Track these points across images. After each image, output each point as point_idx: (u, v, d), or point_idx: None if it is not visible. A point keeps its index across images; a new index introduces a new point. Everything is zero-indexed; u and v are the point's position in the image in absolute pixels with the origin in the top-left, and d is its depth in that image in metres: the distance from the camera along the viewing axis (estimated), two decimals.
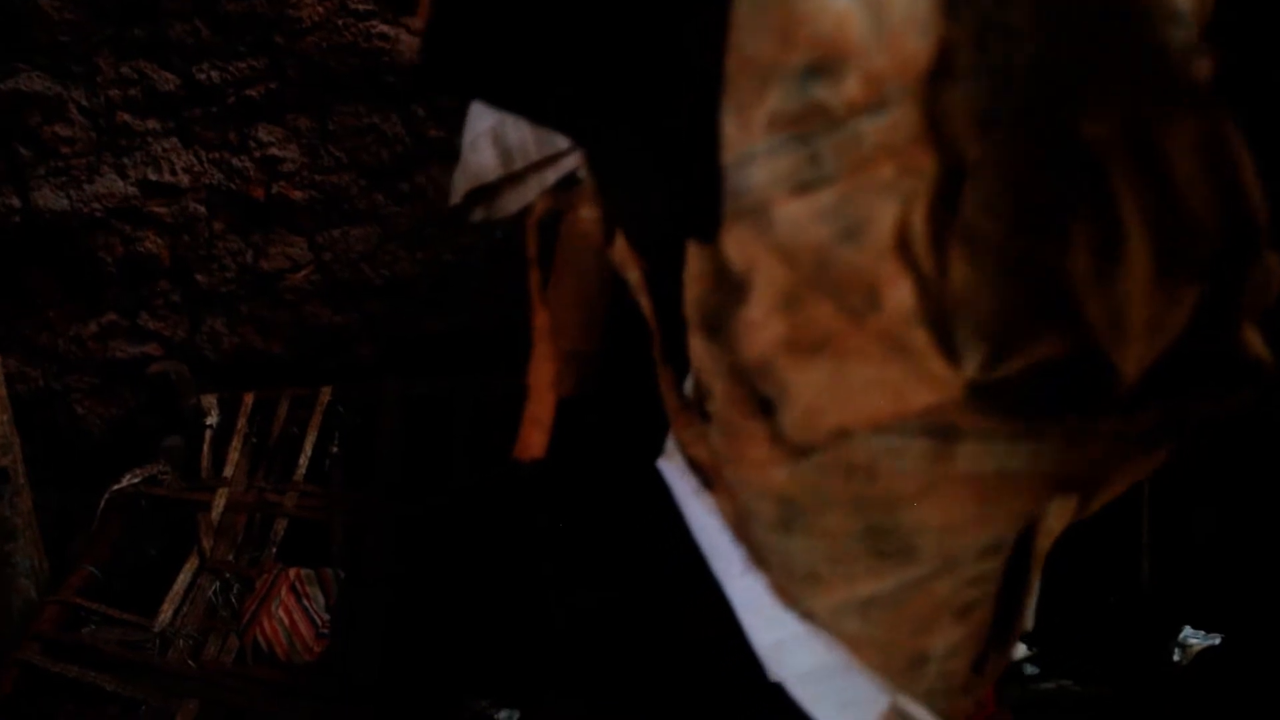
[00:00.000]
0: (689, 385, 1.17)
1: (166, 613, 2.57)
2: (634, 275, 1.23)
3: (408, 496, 2.83)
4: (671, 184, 1.05)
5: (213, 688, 2.40)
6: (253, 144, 3.00)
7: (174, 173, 3.00)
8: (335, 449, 2.91)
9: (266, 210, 3.05)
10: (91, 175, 2.97)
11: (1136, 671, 2.43)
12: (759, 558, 1.14)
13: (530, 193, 1.57)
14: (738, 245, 0.98)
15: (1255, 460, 2.06)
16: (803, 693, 1.14)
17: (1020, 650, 2.43)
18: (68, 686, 2.38)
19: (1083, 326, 0.95)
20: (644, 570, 2.58)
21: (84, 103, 2.92)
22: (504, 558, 2.71)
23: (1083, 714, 2.34)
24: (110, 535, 2.76)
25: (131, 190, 3.00)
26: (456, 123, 3.00)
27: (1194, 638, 2.49)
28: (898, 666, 1.11)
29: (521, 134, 1.51)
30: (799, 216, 0.95)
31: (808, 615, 1.10)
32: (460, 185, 1.67)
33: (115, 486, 2.84)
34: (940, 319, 0.95)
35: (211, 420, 2.97)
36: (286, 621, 2.57)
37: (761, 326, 0.99)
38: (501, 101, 1.34)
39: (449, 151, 3.03)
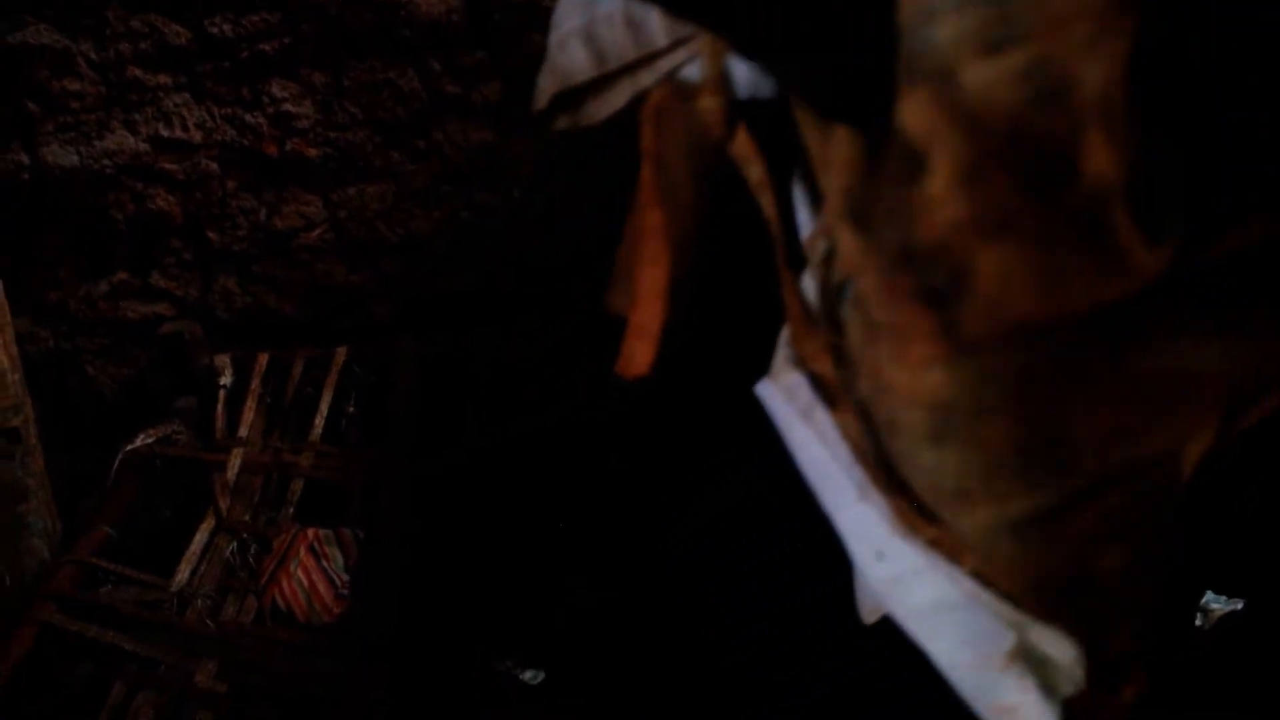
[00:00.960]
0: (811, 292, 1.09)
1: (183, 573, 2.54)
2: (756, 171, 1.14)
3: (425, 455, 2.81)
4: (835, 54, 0.96)
5: (231, 648, 2.38)
6: (266, 100, 2.94)
7: (186, 129, 2.94)
8: (352, 409, 2.88)
9: (280, 167, 3.00)
10: (101, 131, 2.92)
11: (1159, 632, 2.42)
12: (890, 479, 1.06)
13: (620, 97, 1.46)
14: (916, 113, 0.89)
15: None
16: (920, 629, 1.07)
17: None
18: (86, 646, 2.35)
19: None
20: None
21: (93, 56, 2.86)
22: (526, 516, 2.69)
23: None
24: (125, 496, 2.73)
25: (143, 146, 2.94)
26: (473, 80, 2.98)
27: (1216, 603, 2.47)
28: (1054, 593, 1.03)
29: (615, 32, 1.42)
30: (988, 79, 0.86)
31: (953, 536, 1.02)
32: (546, 88, 1.57)
33: (129, 446, 2.81)
34: (1141, 196, 0.87)
35: (226, 380, 2.94)
36: (306, 583, 2.54)
37: (942, 204, 0.89)
38: None
39: (466, 107, 2.99)
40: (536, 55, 2.90)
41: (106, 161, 2.93)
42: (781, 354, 1.22)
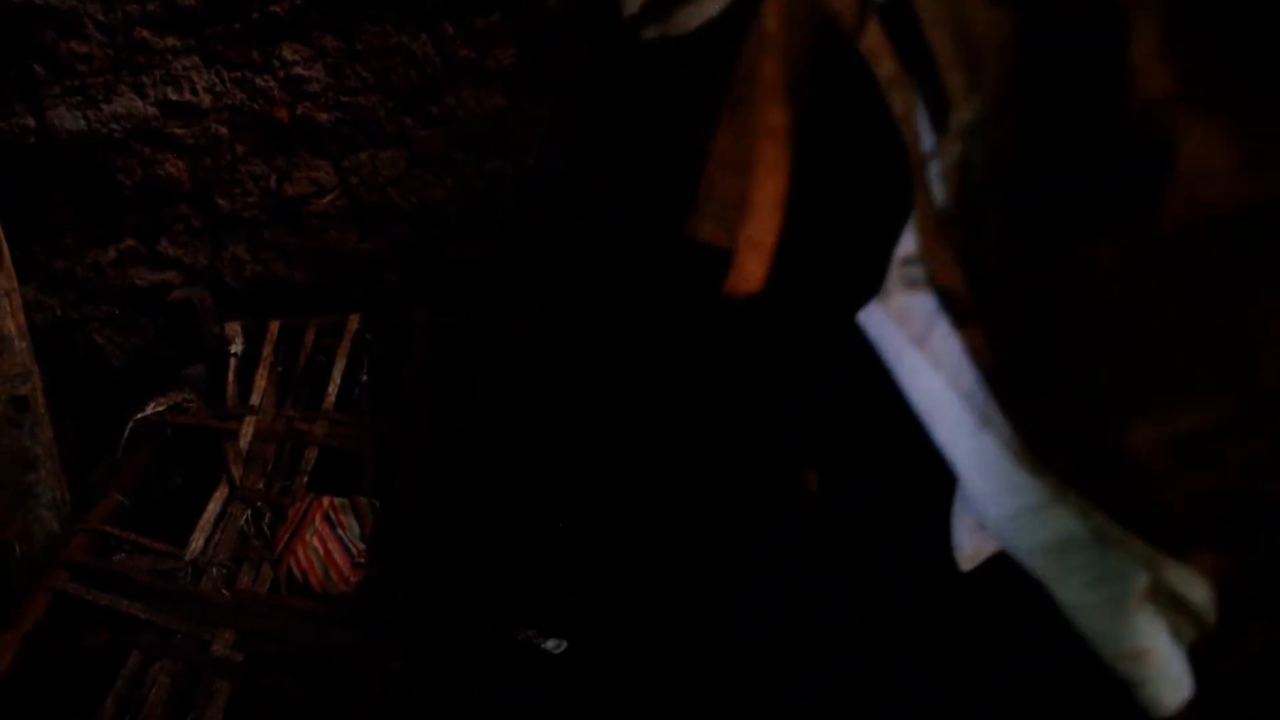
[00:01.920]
0: (942, 196, 1.02)
1: (197, 541, 2.51)
2: (888, 66, 1.06)
3: (437, 428, 2.78)
4: None
5: (247, 617, 2.35)
6: (276, 63, 2.89)
7: (194, 92, 2.89)
8: (365, 377, 2.85)
9: (290, 132, 2.95)
10: (109, 94, 2.87)
11: None
12: (1028, 403, 0.98)
13: (712, 6, 1.36)
14: None
15: None
16: (1045, 568, 1.01)
17: None
18: (100, 614, 2.32)
19: None
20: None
21: (100, 18, 2.80)
22: (536, 493, 2.67)
23: None
24: (136, 464, 2.69)
25: (151, 110, 2.89)
26: (487, 44, 2.93)
27: None
28: (1223, 520, 0.96)
29: None
30: None
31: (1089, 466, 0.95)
32: None
33: (140, 415, 2.77)
34: None
35: (237, 348, 2.90)
36: (321, 551, 2.52)
37: (1145, 73, 0.82)
38: None
39: (480, 72, 2.95)
40: (552, 19, 2.88)
41: (114, 125, 2.89)
42: (895, 275, 1.14)
